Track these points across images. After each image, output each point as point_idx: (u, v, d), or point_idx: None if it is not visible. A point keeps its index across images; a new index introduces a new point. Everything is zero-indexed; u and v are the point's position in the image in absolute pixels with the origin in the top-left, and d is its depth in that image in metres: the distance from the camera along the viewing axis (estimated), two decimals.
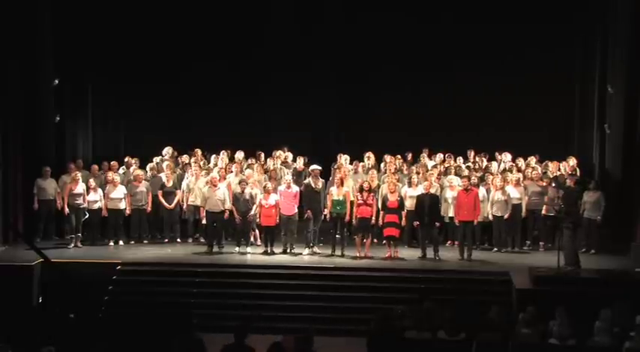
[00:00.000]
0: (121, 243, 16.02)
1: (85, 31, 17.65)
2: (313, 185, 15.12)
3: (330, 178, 16.03)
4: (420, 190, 15.14)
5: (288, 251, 15.14)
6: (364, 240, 14.89)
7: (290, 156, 17.67)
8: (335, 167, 16.80)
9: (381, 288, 13.40)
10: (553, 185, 15.45)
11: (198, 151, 17.50)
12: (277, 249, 15.17)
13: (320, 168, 15.49)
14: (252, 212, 15.11)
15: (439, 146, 17.93)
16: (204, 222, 15.54)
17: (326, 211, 15.17)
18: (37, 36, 16.46)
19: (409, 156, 17.81)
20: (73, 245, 15.47)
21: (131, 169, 16.65)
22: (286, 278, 13.85)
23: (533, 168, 16.40)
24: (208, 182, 15.44)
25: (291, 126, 19.23)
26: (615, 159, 16.68)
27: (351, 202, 15.14)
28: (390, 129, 19.11)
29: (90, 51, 17.89)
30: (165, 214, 16.29)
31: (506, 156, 17.33)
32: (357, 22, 19.08)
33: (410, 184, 15.53)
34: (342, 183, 15.05)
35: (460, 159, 17.44)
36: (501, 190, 15.32)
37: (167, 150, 17.55)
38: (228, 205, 15.18)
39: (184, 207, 16.14)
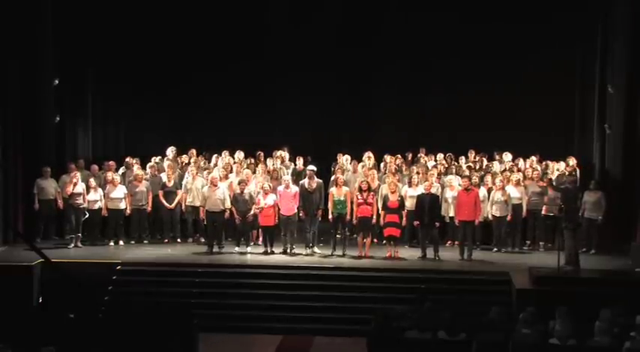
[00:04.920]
0: (121, 243, 16.02)
1: (85, 30, 17.65)
2: (307, 186, 15.12)
3: (332, 178, 16.03)
4: (420, 190, 15.14)
5: (288, 251, 15.13)
6: (364, 240, 14.91)
7: (287, 155, 17.67)
8: (336, 167, 16.80)
9: (381, 288, 13.40)
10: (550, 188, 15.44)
11: (194, 151, 17.51)
12: (277, 249, 15.17)
13: (314, 168, 15.47)
14: (252, 212, 15.12)
15: (439, 146, 17.95)
16: (204, 222, 15.54)
17: (320, 212, 15.15)
18: (37, 36, 16.44)
19: (409, 156, 17.83)
20: (73, 245, 15.46)
21: (134, 168, 16.63)
22: (286, 279, 13.84)
23: (533, 168, 16.40)
24: (208, 181, 15.45)
25: (291, 126, 19.22)
26: (615, 159, 16.68)
27: (351, 202, 15.16)
28: (391, 129, 19.13)
29: (90, 51, 17.90)
30: (165, 214, 16.29)
31: (507, 156, 17.34)
32: (357, 22, 19.08)
33: (410, 184, 15.54)
34: (341, 183, 15.08)
35: (462, 159, 17.48)
36: (502, 190, 15.31)
37: (170, 150, 17.55)
38: (228, 205, 15.19)
39: (183, 207, 16.14)
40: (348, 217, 15.11)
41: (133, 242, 16.16)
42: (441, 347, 10.19)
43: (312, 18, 19.04)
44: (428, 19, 18.82)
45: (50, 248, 14.91)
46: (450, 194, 15.50)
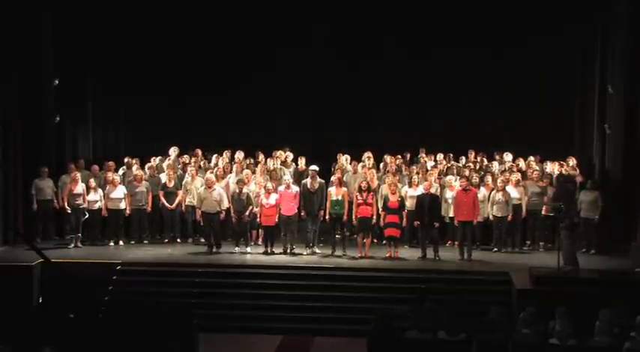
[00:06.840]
0: (121, 243, 16.02)
1: (85, 31, 17.65)
2: (309, 185, 15.12)
3: (332, 179, 16.03)
4: (420, 190, 15.15)
5: (288, 251, 15.14)
6: (364, 240, 14.90)
7: (290, 156, 17.67)
8: (336, 167, 16.80)
9: (381, 288, 13.40)
10: (550, 186, 15.43)
11: (199, 152, 17.52)
12: (277, 249, 15.17)
13: (317, 168, 15.47)
14: (247, 212, 15.10)
15: (439, 146, 17.95)
16: (201, 223, 15.54)
17: (321, 212, 15.14)
18: (37, 36, 16.45)
19: (409, 156, 17.84)
20: (73, 245, 15.47)
21: (133, 169, 16.64)
22: (286, 279, 13.84)
23: (533, 168, 16.39)
24: (204, 182, 15.47)
25: (291, 126, 19.22)
26: (615, 159, 16.66)
27: (350, 202, 15.16)
28: (391, 130, 19.13)
29: (90, 51, 17.89)
30: (165, 214, 16.29)
31: (507, 156, 17.35)
32: (357, 23, 19.08)
33: (410, 184, 15.55)
34: (340, 184, 15.09)
35: (462, 159, 17.48)
36: (502, 191, 15.31)
37: (173, 150, 17.55)
38: (225, 206, 15.18)
39: (183, 207, 16.14)
40: (345, 217, 15.11)
41: (133, 242, 16.16)
42: (441, 347, 10.19)
43: (313, 17, 19.03)
44: (429, 21, 18.81)
45: (50, 248, 14.92)
46: (449, 194, 15.50)
